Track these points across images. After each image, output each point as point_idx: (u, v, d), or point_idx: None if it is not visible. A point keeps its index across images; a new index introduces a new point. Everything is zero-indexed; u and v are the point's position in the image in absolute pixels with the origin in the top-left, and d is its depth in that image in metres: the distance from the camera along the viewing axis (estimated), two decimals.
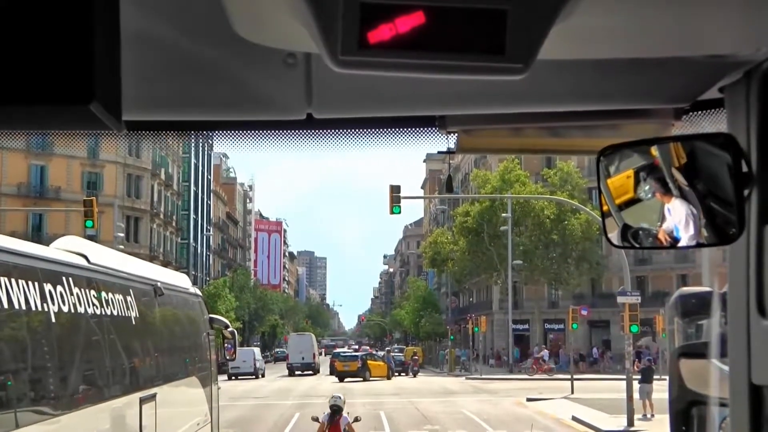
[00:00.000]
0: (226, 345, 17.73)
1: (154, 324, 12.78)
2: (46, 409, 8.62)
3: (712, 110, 2.13)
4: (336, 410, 15.44)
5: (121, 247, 59.99)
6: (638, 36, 1.71)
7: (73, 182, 61.56)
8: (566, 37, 1.49)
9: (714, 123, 2.12)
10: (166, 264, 72.10)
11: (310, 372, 61.48)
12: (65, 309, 9.05)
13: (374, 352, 70.04)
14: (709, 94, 2.08)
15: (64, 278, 9.16)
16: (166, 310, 13.43)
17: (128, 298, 11.21)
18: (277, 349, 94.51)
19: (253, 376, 56.75)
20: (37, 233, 61.78)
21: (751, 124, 1.91)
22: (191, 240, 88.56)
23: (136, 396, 10.98)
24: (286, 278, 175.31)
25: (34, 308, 8.36)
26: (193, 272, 74.21)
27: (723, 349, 2.18)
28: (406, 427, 27.05)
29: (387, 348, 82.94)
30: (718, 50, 1.84)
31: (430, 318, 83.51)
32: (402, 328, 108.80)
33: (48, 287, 8.67)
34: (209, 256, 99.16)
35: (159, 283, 12.97)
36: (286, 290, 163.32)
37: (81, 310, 9.55)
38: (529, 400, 35.46)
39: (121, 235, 60.35)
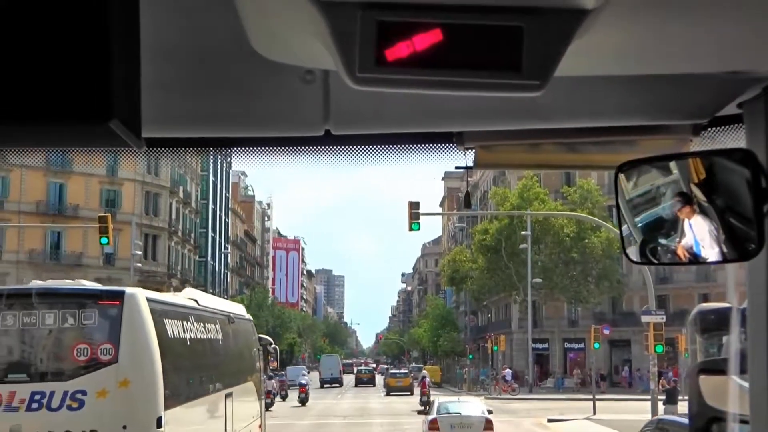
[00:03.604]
0: (270, 358, 23.05)
1: (229, 343, 16.88)
2: (187, 396, 13.22)
3: (731, 126, 2.13)
4: None
5: (139, 264, 60.47)
6: (655, 52, 1.72)
7: (92, 200, 61.81)
8: (583, 53, 1.49)
9: (733, 139, 2.12)
10: (183, 282, 72.34)
11: (337, 384, 76.04)
12: (193, 336, 13.66)
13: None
14: (727, 110, 2.08)
15: (191, 313, 14.04)
16: (236, 333, 17.60)
17: (216, 326, 15.71)
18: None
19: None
20: (56, 251, 62.22)
21: None
22: (209, 258, 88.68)
23: (223, 393, 15.28)
24: (304, 296, 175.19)
25: (181, 338, 13.05)
26: (211, 290, 74.20)
27: (743, 365, 2.16)
28: None
29: (382, 364, 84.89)
30: (737, 66, 1.84)
31: (449, 336, 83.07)
32: (420, 346, 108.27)
33: (186, 322, 13.42)
34: (227, 274, 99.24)
35: (231, 314, 17.67)
36: (304, 308, 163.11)
37: (198, 336, 14.15)
38: (550, 420, 35.11)
39: (139, 252, 60.65)
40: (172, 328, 12.58)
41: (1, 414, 10.67)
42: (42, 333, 11.18)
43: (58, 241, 61.95)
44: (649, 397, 30.17)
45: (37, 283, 13.17)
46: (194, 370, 13.77)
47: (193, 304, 14.82)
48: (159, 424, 11.03)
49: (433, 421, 25.28)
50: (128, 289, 12.14)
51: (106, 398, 10.80)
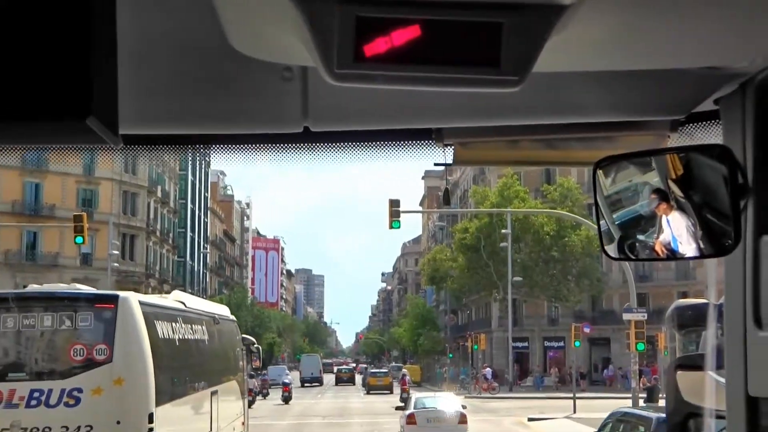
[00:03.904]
0: (253, 358, 24.07)
1: (215, 343, 17.39)
2: (176, 393, 13.74)
3: (708, 122, 2.14)
4: None
5: (116, 264, 60.08)
6: (633, 48, 1.72)
7: (68, 199, 61.36)
8: (561, 49, 1.50)
9: (710, 135, 2.13)
10: (162, 282, 71.97)
11: (318, 383, 77.20)
12: (181, 337, 14.34)
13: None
14: (704, 106, 2.09)
15: (179, 316, 14.73)
16: (220, 333, 18.21)
17: (203, 327, 16.25)
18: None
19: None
20: (32, 251, 61.69)
21: (746, 136, 1.92)
22: (188, 258, 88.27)
23: (209, 391, 15.94)
24: (284, 296, 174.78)
25: (170, 338, 13.63)
26: (190, 290, 73.87)
27: (720, 360, 2.18)
28: None
29: (362, 364, 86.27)
30: (714, 62, 1.85)
31: (429, 335, 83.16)
32: (400, 345, 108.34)
33: (174, 324, 14.01)
34: (206, 274, 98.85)
35: (216, 315, 18.31)
36: (284, 308, 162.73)
37: (186, 337, 14.75)
38: (530, 419, 35.22)
39: (116, 252, 60.28)
40: (162, 329, 13.19)
41: (2, 411, 11.25)
42: (40, 334, 11.78)
43: (34, 241, 61.46)
44: (629, 395, 30.34)
45: (35, 288, 14.22)
46: (182, 369, 14.45)
47: (181, 306, 15.54)
48: (150, 420, 11.65)
49: (411, 416, 26.63)
50: (122, 294, 12.66)
51: (101, 396, 11.42)
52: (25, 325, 11.69)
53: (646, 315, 29.20)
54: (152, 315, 12.89)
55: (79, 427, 11.32)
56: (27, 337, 11.81)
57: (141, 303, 12.57)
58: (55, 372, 11.69)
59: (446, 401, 28.35)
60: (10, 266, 59.88)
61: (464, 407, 27.92)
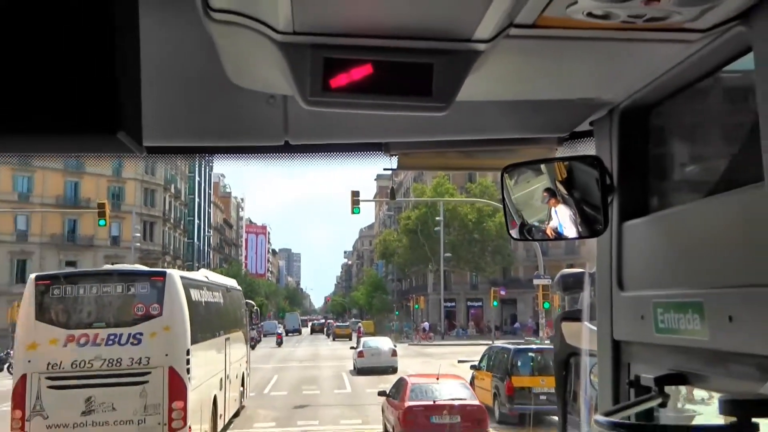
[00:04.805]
0: (253, 316, 26.08)
1: (227, 305, 18.46)
2: (209, 334, 15.46)
3: (585, 138, 2.14)
4: None
5: (138, 245, 58.94)
6: (530, 83, 1.73)
7: (101, 194, 59.89)
8: (476, 84, 1.50)
9: (586, 148, 2.14)
10: (175, 258, 70.76)
11: (298, 333, 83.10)
12: (207, 300, 15.78)
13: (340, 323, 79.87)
14: (582, 127, 2.10)
15: (205, 286, 16.07)
16: (231, 298, 19.27)
17: (219, 294, 17.48)
18: (260, 325, 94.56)
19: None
20: (72, 234, 60.27)
21: (612, 149, 1.94)
22: (195, 239, 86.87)
23: (224, 337, 17.23)
24: (270, 269, 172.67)
25: (200, 301, 14.98)
26: (197, 265, 72.83)
27: (592, 314, 2.19)
28: (368, 383, 26.77)
29: (330, 320, 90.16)
30: (589, 95, 1.86)
31: (380, 298, 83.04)
32: (358, 306, 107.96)
33: (201, 291, 15.45)
34: (210, 252, 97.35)
35: (228, 285, 19.50)
36: (270, 278, 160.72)
37: (210, 300, 16.19)
38: (460, 362, 35.31)
39: (139, 235, 59.17)
40: (194, 294, 14.43)
41: (91, 348, 12.67)
42: (114, 297, 13.11)
43: (74, 227, 60.02)
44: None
45: (110, 267, 15.98)
46: (206, 322, 15.34)
47: (205, 279, 16.87)
48: (187, 354, 13.10)
49: (360, 352, 32.07)
50: (168, 270, 14.09)
51: (155, 338, 12.85)
52: (104, 291, 13.06)
53: (551, 280, 29.51)
54: (187, 285, 14.05)
55: (140, 359, 12.72)
56: (106, 300, 13.12)
57: (181, 277, 13.89)
58: (124, 322, 12.92)
59: (383, 342, 33.31)
60: (56, 246, 58.46)
61: (395, 346, 32.76)
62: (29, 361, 12.34)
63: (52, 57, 1.09)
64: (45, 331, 12.50)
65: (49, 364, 12.33)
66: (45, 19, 1.08)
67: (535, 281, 30.13)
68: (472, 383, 19.92)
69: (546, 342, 29.90)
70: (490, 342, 39.47)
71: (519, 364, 18.52)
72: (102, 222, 31.36)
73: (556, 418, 20.11)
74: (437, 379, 16.25)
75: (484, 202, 50.19)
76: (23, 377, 12.34)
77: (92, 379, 12.51)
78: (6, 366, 34.21)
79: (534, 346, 20.94)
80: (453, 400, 14.98)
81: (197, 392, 13.63)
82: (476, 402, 15.52)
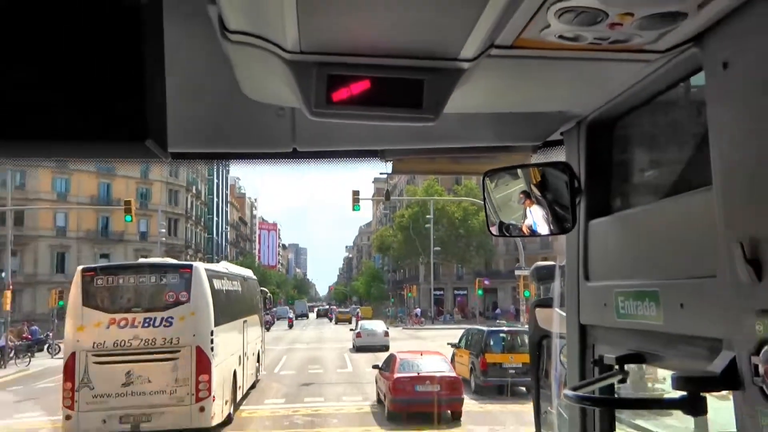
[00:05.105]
0: (267, 302, 26.89)
1: (245, 292, 18.62)
2: (229, 317, 15.53)
3: (556, 147, 2.14)
4: None
5: (164, 239, 58.81)
6: (508, 98, 1.73)
7: (130, 194, 59.61)
8: (462, 97, 1.50)
9: (557, 155, 2.13)
10: (196, 252, 70.62)
11: (306, 318, 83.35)
12: (227, 288, 15.93)
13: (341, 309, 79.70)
14: (554, 136, 2.10)
15: (225, 276, 16.30)
16: (248, 286, 19.49)
17: (237, 283, 17.59)
18: (273, 309, 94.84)
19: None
20: (105, 230, 60.10)
21: (580, 157, 1.94)
22: (214, 235, 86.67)
23: (242, 320, 17.35)
24: (280, 261, 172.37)
25: (221, 289, 15.20)
26: (216, 258, 72.77)
27: (562, 301, 2.20)
28: (366, 362, 26.77)
29: (333, 306, 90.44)
30: (560, 108, 1.87)
31: (377, 287, 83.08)
32: (358, 294, 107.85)
33: (222, 280, 15.68)
34: (227, 246, 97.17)
35: (245, 275, 19.66)
36: (280, 269, 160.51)
37: (230, 288, 16.34)
38: (449, 344, 35.21)
39: (164, 231, 59.02)
40: (216, 283, 14.79)
41: (129, 329, 13.13)
42: (149, 286, 13.55)
43: (106, 224, 59.83)
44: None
45: (144, 260, 16.19)
46: (227, 307, 15.60)
47: (226, 270, 17.20)
48: (211, 334, 13.55)
49: (358, 333, 33.66)
50: (195, 263, 14.48)
51: (184, 321, 13.30)
52: (140, 281, 13.55)
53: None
54: (210, 275, 14.46)
55: (171, 339, 13.19)
56: (141, 288, 13.59)
57: (205, 269, 14.39)
58: (157, 307, 13.35)
59: (377, 325, 34.93)
60: (90, 240, 58.30)
61: (387, 329, 34.45)
62: (78, 341, 12.91)
63: (88, 74, 1.09)
64: (90, 315, 13.07)
65: (94, 343, 12.90)
66: (81, 41, 1.09)
67: (517, 272, 30.19)
68: (452, 359, 21.08)
69: (526, 326, 30.05)
70: (472, 326, 39.71)
71: (492, 343, 19.77)
72: (128, 218, 30.66)
73: (523, 388, 18.78)
74: (421, 355, 17.29)
75: (470, 201, 50.20)
76: (73, 354, 12.88)
77: (131, 355, 13.04)
78: (46, 347, 34.07)
79: (505, 329, 21.86)
80: (434, 372, 15.94)
81: (220, 367, 14.09)
82: (453, 374, 16.44)
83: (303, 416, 16.41)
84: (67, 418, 12.80)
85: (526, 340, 20.50)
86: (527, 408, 18.33)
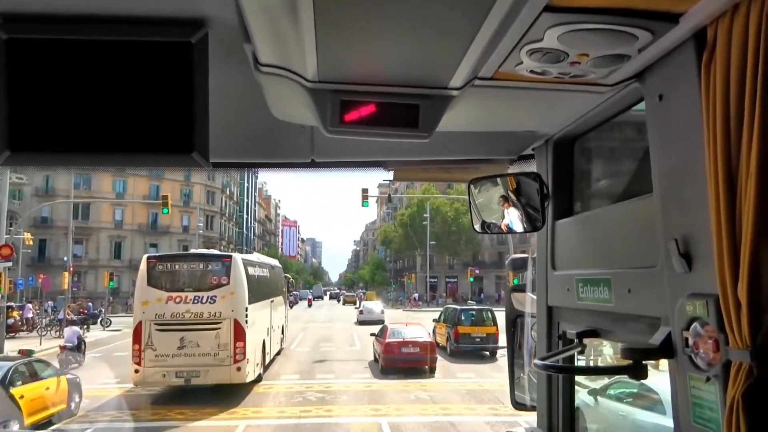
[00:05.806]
0: (289, 286, 27.29)
1: (272, 277, 19.05)
2: (260, 297, 16.00)
3: (529, 160, 2.14)
4: None
5: (201, 232, 58.81)
6: (489, 119, 1.74)
7: (175, 194, 59.69)
8: (451, 119, 1.52)
9: (530, 167, 2.13)
10: (229, 243, 70.57)
11: (321, 299, 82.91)
12: (258, 274, 16.48)
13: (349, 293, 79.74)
14: (527, 151, 2.11)
15: (257, 264, 16.83)
16: (274, 273, 19.97)
17: (266, 270, 18.14)
18: (295, 292, 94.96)
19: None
20: (154, 224, 60.20)
21: (548, 168, 1.96)
22: (244, 230, 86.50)
23: (270, 300, 17.90)
24: (299, 252, 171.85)
25: (254, 275, 15.65)
26: (246, 248, 72.80)
27: (534, 286, 2.20)
28: (370, 338, 26.49)
29: (343, 291, 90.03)
30: (531, 128, 1.89)
31: (381, 275, 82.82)
32: (364, 280, 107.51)
33: (255, 268, 16.16)
34: (255, 239, 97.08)
35: (272, 264, 20.09)
36: (299, 259, 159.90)
37: (260, 274, 16.82)
38: (433, 320, 35.02)
39: (201, 225, 59.02)
40: (250, 270, 15.38)
41: (178, 305, 13.90)
42: (198, 271, 14.26)
43: (155, 219, 59.82)
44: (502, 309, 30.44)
45: (193, 251, 17.27)
46: (258, 289, 16.12)
47: (257, 260, 17.87)
48: (246, 311, 14.16)
49: (360, 311, 36.29)
50: (234, 254, 15.16)
51: (224, 299, 14.03)
52: (191, 267, 14.33)
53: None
54: (246, 263, 15.13)
55: (215, 313, 13.87)
56: (192, 273, 14.31)
57: (242, 259, 15.08)
58: (204, 288, 14.12)
59: (375, 305, 37.54)
60: (142, 232, 58.40)
61: (383, 309, 36.29)
62: (143, 312, 13.85)
63: (149, 100, 1.13)
64: (153, 293, 14.04)
65: (156, 314, 13.81)
66: (145, 73, 1.13)
67: (507, 264, 29.91)
68: (433, 331, 23.19)
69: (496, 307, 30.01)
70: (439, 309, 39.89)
71: (463, 318, 21.65)
72: (165, 210, 29.26)
73: (486, 353, 20.71)
74: (406, 325, 19.38)
75: (462, 200, 49.98)
76: (140, 323, 13.85)
77: (183, 325, 13.89)
78: (99, 320, 33.92)
79: (474, 307, 23.81)
80: (416, 338, 18.10)
81: (252, 337, 14.78)
82: (429, 339, 18.57)
83: (315, 392, 15.93)
84: (136, 372, 13.76)
85: (491, 316, 21.55)
86: (488, 366, 19.47)
